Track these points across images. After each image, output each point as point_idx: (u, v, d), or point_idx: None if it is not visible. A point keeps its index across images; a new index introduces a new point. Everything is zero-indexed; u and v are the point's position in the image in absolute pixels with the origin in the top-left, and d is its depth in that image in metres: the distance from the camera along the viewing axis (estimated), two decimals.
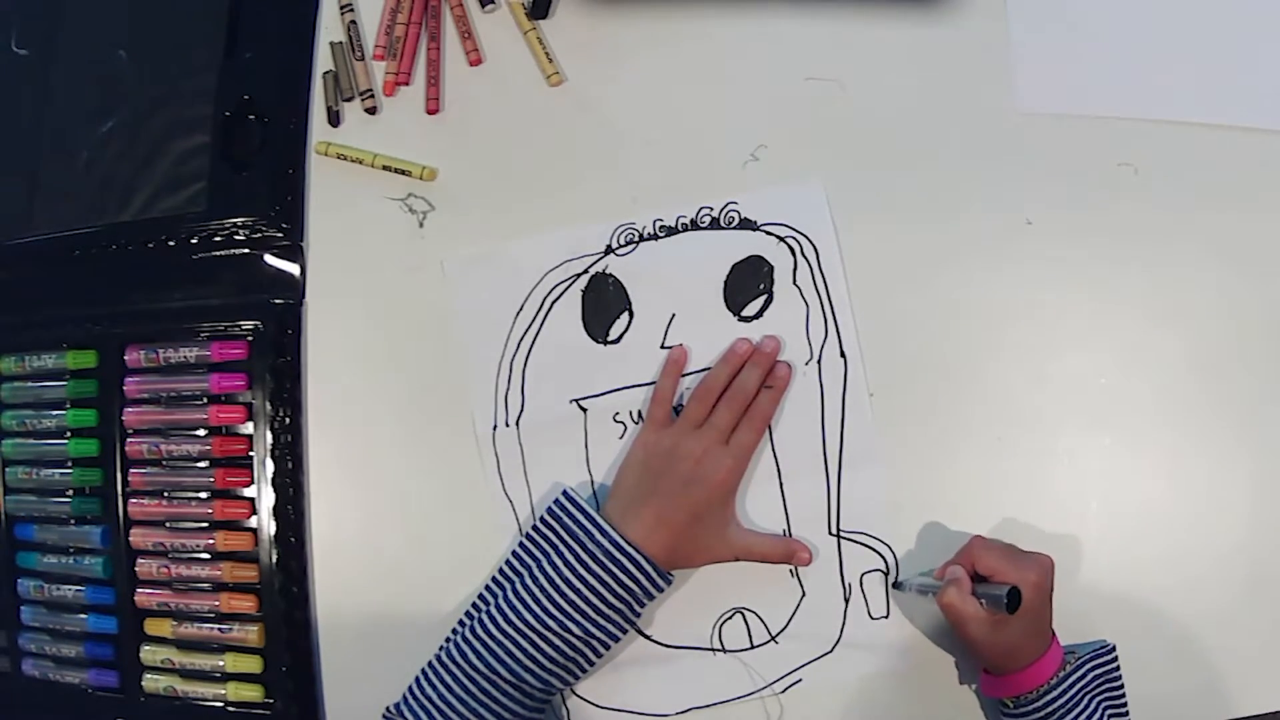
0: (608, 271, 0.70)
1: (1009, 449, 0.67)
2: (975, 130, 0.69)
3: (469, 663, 0.61)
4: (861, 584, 0.67)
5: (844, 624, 0.67)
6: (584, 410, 0.69)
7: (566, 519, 0.64)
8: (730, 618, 0.67)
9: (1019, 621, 0.58)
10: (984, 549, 0.61)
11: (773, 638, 0.67)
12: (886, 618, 0.66)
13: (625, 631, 0.63)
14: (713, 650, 0.67)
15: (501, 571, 0.66)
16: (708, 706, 0.67)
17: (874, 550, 0.67)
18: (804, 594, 0.67)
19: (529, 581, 0.62)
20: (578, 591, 0.61)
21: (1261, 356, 0.67)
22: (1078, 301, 0.68)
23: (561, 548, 0.63)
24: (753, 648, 0.67)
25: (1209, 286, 0.68)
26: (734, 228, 0.69)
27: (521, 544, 0.66)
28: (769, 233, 0.69)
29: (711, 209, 0.69)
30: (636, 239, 0.70)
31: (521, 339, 0.70)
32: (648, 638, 0.68)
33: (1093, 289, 0.68)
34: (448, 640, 0.64)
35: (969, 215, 0.68)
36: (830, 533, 0.67)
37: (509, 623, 0.61)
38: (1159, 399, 0.67)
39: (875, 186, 0.69)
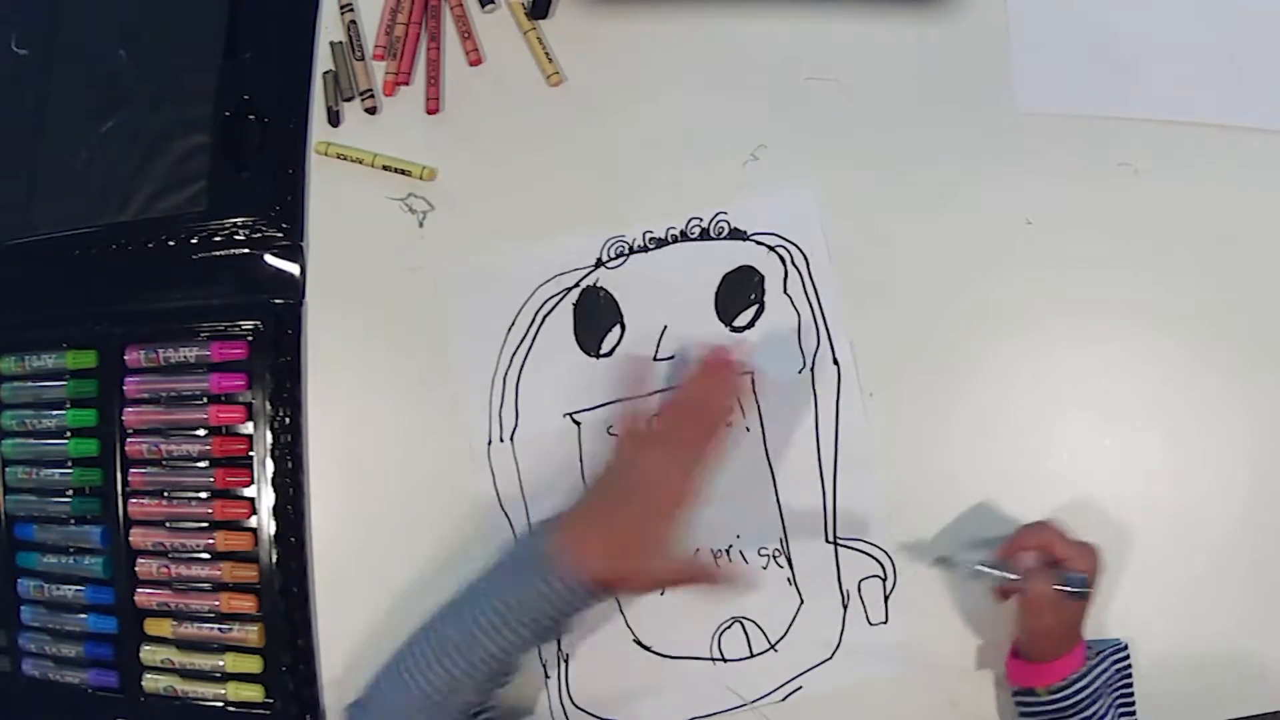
0: (598, 284, 0.70)
1: (1009, 449, 0.67)
2: (975, 130, 0.69)
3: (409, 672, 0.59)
4: (860, 590, 0.66)
5: (843, 631, 0.66)
6: (578, 424, 0.69)
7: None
8: (729, 627, 0.67)
9: (1079, 606, 0.59)
10: (1057, 535, 0.60)
11: (772, 646, 0.67)
12: (885, 623, 0.66)
13: (548, 634, 0.59)
14: (712, 660, 0.67)
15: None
16: (708, 716, 0.67)
17: (871, 557, 0.67)
18: (802, 602, 0.67)
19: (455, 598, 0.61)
20: (484, 589, 0.59)
21: (1262, 356, 0.67)
22: (1078, 301, 0.68)
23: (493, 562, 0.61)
24: (752, 656, 0.67)
25: (1209, 286, 0.67)
26: (723, 238, 0.69)
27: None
28: (759, 242, 0.69)
29: (701, 219, 0.69)
30: (626, 251, 0.69)
31: (514, 354, 0.70)
32: (647, 648, 0.68)
33: (1092, 289, 0.68)
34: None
35: (969, 216, 0.68)
36: (827, 540, 0.67)
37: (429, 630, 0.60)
38: (1159, 399, 0.67)
39: (875, 186, 0.69)
